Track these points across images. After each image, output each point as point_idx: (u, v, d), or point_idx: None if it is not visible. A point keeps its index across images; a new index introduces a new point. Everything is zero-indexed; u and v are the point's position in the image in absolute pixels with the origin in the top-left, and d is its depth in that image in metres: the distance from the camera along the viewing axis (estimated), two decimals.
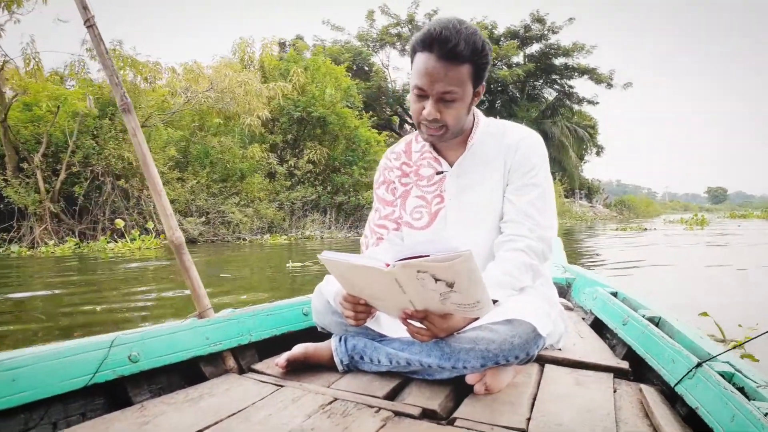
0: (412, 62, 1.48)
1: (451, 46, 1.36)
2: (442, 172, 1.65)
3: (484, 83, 1.52)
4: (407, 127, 33.95)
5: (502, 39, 33.17)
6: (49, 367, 1.19)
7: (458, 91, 1.43)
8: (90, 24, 1.38)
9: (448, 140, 1.57)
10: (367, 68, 30.81)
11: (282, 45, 33.90)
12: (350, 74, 29.58)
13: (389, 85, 31.26)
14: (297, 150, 17.54)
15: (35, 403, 1.17)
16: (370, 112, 20.79)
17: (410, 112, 1.54)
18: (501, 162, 1.59)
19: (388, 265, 1.16)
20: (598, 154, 43.66)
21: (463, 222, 1.61)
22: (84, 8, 1.37)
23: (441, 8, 33.03)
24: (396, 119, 35.02)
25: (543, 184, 1.57)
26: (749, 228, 17.98)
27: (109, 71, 1.43)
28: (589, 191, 46.55)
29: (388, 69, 32.98)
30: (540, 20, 32.84)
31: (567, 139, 34.23)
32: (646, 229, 17.57)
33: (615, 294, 2.12)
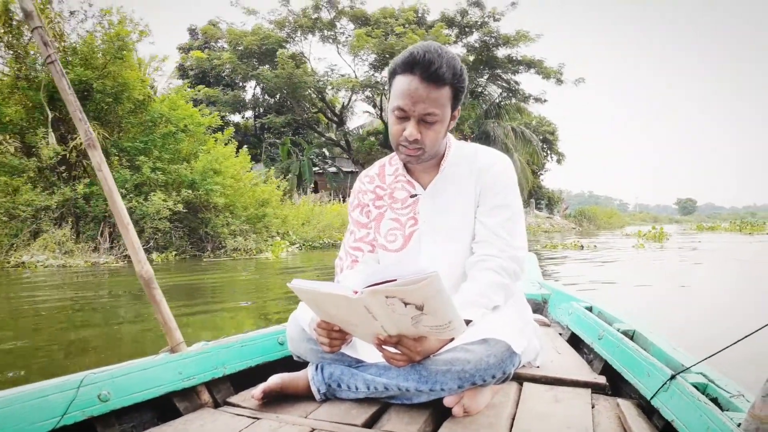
0: (390, 86, 1.51)
1: (434, 69, 1.40)
2: (415, 195, 1.67)
3: (459, 107, 1.56)
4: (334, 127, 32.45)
5: (436, 26, 28.28)
6: (15, 411, 1.15)
7: (439, 113, 1.46)
8: (51, 60, 1.37)
9: (424, 161, 1.59)
10: (275, 55, 26.63)
11: (192, 32, 31.94)
12: (255, 60, 27.08)
13: (311, 78, 27.43)
14: (60, 132, 11.21)
15: None
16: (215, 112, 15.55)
17: (390, 134, 1.56)
18: (472, 184, 1.62)
19: (356, 293, 1.16)
20: (559, 162, 42.51)
21: (436, 243, 1.62)
22: (45, 45, 1.36)
23: None
24: (323, 118, 32.68)
25: (513, 205, 1.61)
26: (710, 242, 17.19)
27: (72, 107, 1.41)
28: (550, 201, 45.71)
29: (308, 58, 29.39)
30: (478, 4, 29.04)
31: (511, 141, 30.18)
32: (582, 247, 14.06)
33: (590, 309, 2.14)
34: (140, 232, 10.99)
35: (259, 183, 15.29)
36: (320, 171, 31.99)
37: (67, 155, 11.05)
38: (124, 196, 10.81)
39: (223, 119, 30.04)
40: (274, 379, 1.54)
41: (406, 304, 1.15)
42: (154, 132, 12.39)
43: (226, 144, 14.59)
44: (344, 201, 22.34)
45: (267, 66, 26.99)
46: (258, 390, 1.51)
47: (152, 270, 1.51)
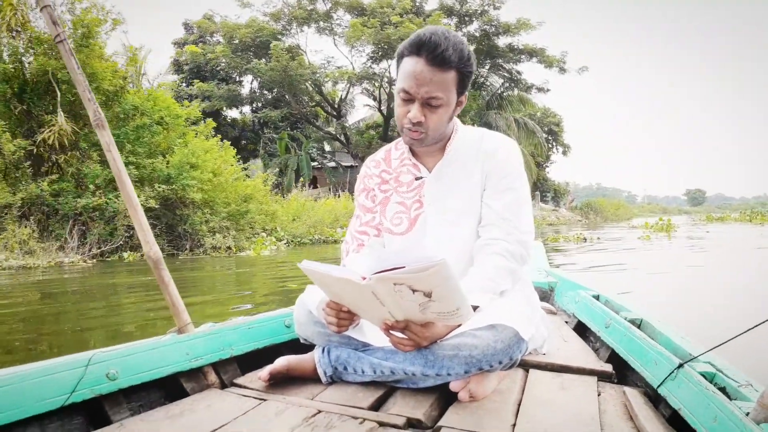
0: (398, 68, 1.51)
1: (440, 51, 1.41)
2: (421, 178, 1.67)
3: (466, 93, 1.56)
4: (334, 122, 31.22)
5: (434, 15, 27.50)
6: (25, 387, 1.16)
7: (443, 96, 1.46)
8: (60, 39, 1.36)
9: (427, 145, 1.59)
10: (268, 47, 25.61)
11: (187, 26, 30.84)
12: (251, 53, 26.27)
13: (307, 71, 26.55)
14: (28, 126, 10.76)
15: (11, 425, 1.14)
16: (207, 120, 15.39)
17: (395, 116, 1.56)
18: (479, 167, 1.62)
19: (364, 278, 1.16)
20: (564, 153, 41.58)
21: (442, 226, 1.63)
22: (54, 24, 1.35)
23: None
24: (321, 112, 31.76)
25: (519, 188, 1.60)
26: (718, 233, 16.96)
27: (81, 87, 1.41)
28: (556, 194, 45.01)
29: (304, 51, 28.65)
30: None
31: (514, 132, 28.64)
32: (585, 239, 13.97)
33: (597, 297, 2.13)
34: (113, 231, 10.54)
35: (241, 177, 14.46)
36: (319, 166, 31.55)
37: (35, 150, 10.39)
38: (93, 192, 10.47)
39: (220, 114, 29.56)
40: (281, 361, 1.55)
41: (414, 290, 1.15)
42: (128, 125, 11.70)
43: (207, 138, 14.01)
44: (340, 196, 22.00)
45: (263, 60, 26.27)
46: (265, 372, 1.52)
47: (160, 252, 1.51)
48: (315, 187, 30.90)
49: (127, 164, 10.64)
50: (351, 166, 31.85)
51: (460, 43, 1.45)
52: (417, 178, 1.68)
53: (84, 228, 10.49)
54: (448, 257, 1.11)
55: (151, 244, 1.48)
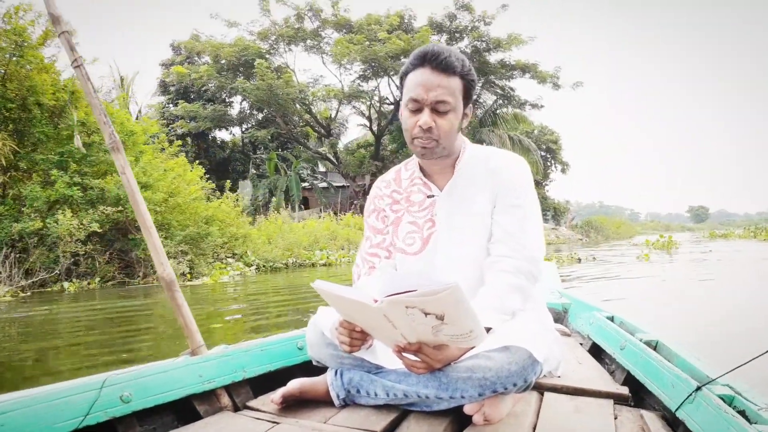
0: (402, 86, 1.55)
1: (444, 58, 1.47)
2: (432, 196, 1.67)
3: (471, 105, 1.59)
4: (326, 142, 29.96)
5: (422, 30, 26.35)
6: (39, 410, 1.17)
7: (451, 101, 1.49)
8: (78, 64, 1.39)
9: (438, 156, 1.59)
10: (254, 66, 24.65)
11: (175, 48, 29.95)
12: (239, 73, 25.25)
13: (293, 90, 25.66)
14: None
15: None
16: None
17: (404, 131, 1.58)
18: (488, 185, 1.62)
19: (376, 301, 1.16)
20: (563, 171, 41.10)
21: (453, 245, 1.62)
22: (72, 49, 1.38)
23: None
24: (311, 132, 30.90)
25: (527, 205, 1.60)
26: (720, 251, 16.50)
27: (97, 110, 1.44)
28: (556, 212, 44.18)
29: (293, 70, 27.77)
30: (467, 7, 26.89)
31: (508, 150, 26.97)
32: (580, 260, 13.53)
33: (611, 318, 2.11)
34: (56, 259, 9.49)
35: (201, 198, 12.90)
36: (309, 186, 30.76)
37: None
38: (29, 216, 9.36)
39: (206, 135, 29.09)
40: (294, 384, 1.55)
41: (426, 313, 1.14)
42: (71, 143, 10.34)
43: (176, 156, 13.19)
44: (322, 216, 21.41)
45: (251, 79, 25.49)
46: (277, 394, 1.51)
47: (174, 273, 1.52)
48: (307, 207, 30.41)
49: (71, 185, 9.94)
50: (342, 186, 31.33)
51: (460, 54, 1.51)
52: (428, 197, 1.68)
53: (24, 255, 9.34)
54: (460, 276, 1.11)
55: (164, 266, 1.50)
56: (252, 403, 1.57)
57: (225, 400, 1.57)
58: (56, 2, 1.51)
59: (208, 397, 1.54)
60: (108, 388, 1.29)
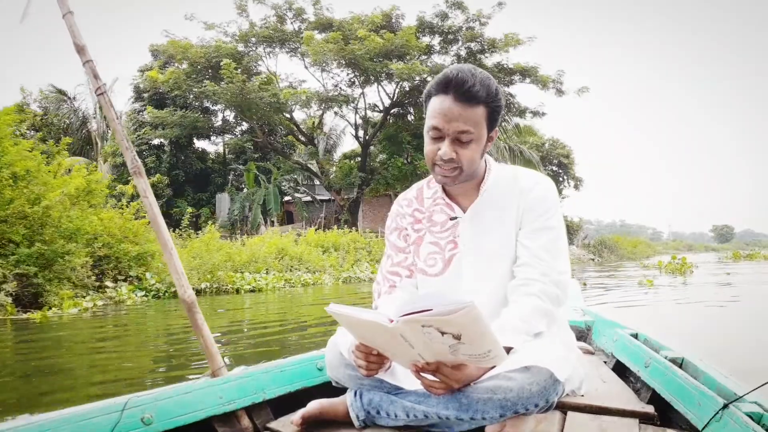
0: (426, 108, 1.53)
1: (468, 87, 1.43)
2: (455, 218, 1.66)
3: (497, 128, 1.56)
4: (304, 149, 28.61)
5: (417, 33, 24.63)
6: None
7: (474, 131, 1.47)
8: (101, 92, 1.43)
9: (461, 182, 1.58)
10: (221, 67, 22.81)
11: (154, 52, 28.34)
12: (210, 77, 23.01)
13: (267, 92, 23.63)
14: None
15: None
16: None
17: (424, 155, 1.57)
18: (514, 206, 1.60)
19: (391, 321, 1.15)
20: (576, 187, 39.31)
21: (477, 267, 1.60)
22: (96, 77, 1.42)
23: None
24: (294, 141, 29.45)
25: (556, 227, 1.58)
26: (740, 273, 15.20)
27: (119, 136, 1.47)
28: (569, 230, 42.61)
29: (275, 75, 26.44)
30: (459, 6, 24.80)
31: (506, 162, 24.53)
32: (585, 284, 12.24)
33: (636, 335, 2.08)
34: None
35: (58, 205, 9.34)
36: (291, 200, 28.90)
37: None
38: None
39: (186, 144, 27.30)
40: (313, 405, 1.54)
41: (442, 333, 1.14)
42: None
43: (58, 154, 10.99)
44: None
45: (221, 81, 23.31)
46: (297, 416, 1.51)
47: (194, 295, 1.54)
48: (291, 222, 28.81)
49: None
50: (328, 200, 29.64)
51: (487, 79, 1.47)
52: (451, 218, 1.67)
53: None
54: (484, 299, 1.10)
55: (185, 288, 1.51)
56: (272, 425, 1.57)
57: (245, 421, 1.57)
58: (81, 33, 1.56)
59: (229, 418, 1.54)
60: (129, 410, 1.30)
